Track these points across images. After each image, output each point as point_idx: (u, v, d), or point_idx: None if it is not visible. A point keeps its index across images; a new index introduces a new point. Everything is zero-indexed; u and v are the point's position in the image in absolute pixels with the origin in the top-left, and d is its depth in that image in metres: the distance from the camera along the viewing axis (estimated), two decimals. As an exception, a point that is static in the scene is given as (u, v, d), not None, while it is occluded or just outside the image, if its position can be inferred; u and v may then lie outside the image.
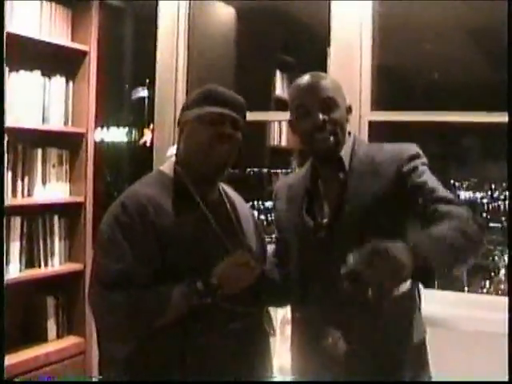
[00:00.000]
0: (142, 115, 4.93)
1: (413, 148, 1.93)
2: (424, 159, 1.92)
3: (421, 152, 1.92)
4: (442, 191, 1.81)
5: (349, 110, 2.00)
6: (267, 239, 2.22)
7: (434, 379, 2.00)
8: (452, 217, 1.68)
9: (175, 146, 2.03)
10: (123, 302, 1.75)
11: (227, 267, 1.80)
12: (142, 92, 4.96)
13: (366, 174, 1.90)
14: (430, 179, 1.84)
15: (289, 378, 2.12)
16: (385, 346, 1.84)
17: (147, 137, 4.46)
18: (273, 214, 2.24)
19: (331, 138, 1.91)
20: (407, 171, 1.86)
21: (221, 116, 1.88)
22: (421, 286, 1.88)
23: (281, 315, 2.69)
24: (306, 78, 1.98)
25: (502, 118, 2.92)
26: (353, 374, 1.84)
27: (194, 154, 1.91)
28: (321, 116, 1.89)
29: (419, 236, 1.62)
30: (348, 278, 1.46)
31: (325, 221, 1.94)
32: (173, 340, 1.79)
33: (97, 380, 3.12)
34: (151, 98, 3.78)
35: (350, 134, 2.01)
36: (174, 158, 2.00)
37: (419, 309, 1.96)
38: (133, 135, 5.03)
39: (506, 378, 1.97)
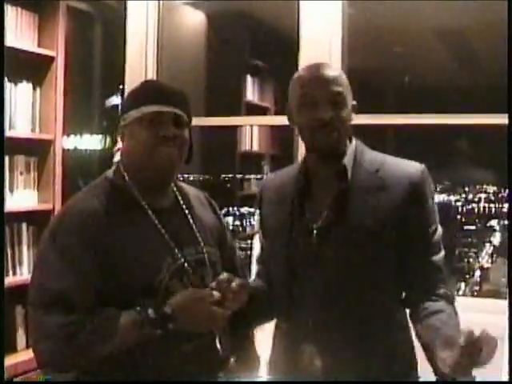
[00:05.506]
0: (115, 121, 4.87)
1: (421, 168, 1.80)
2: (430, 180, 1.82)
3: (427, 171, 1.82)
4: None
5: (353, 108, 1.82)
6: (243, 245, 2.10)
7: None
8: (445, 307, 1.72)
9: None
10: (63, 325, 1.58)
11: (185, 299, 1.64)
12: (116, 99, 4.91)
13: (370, 186, 1.75)
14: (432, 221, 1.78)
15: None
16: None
17: (121, 144, 4.41)
18: (256, 217, 2.06)
19: (334, 135, 1.74)
20: (418, 193, 1.77)
21: (160, 115, 1.69)
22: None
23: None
24: (316, 67, 1.80)
25: (475, 119, 2.93)
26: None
27: (137, 159, 1.73)
28: (329, 111, 1.72)
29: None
30: None
31: (315, 225, 1.78)
32: (120, 361, 1.64)
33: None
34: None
35: (350, 140, 1.84)
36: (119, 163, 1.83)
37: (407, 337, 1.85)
38: (107, 142, 4.98)
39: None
